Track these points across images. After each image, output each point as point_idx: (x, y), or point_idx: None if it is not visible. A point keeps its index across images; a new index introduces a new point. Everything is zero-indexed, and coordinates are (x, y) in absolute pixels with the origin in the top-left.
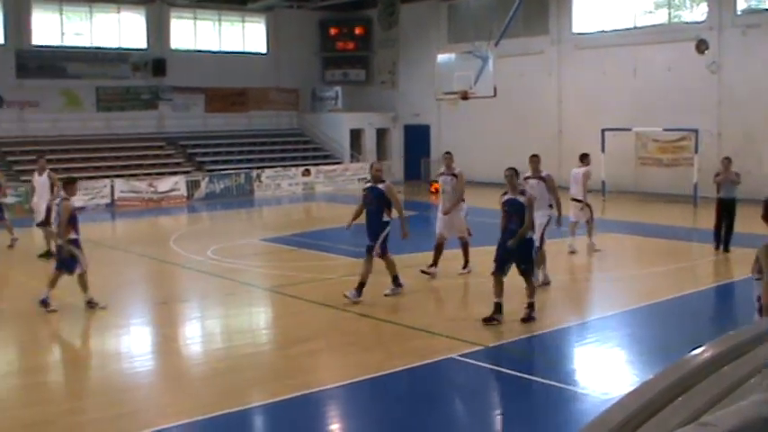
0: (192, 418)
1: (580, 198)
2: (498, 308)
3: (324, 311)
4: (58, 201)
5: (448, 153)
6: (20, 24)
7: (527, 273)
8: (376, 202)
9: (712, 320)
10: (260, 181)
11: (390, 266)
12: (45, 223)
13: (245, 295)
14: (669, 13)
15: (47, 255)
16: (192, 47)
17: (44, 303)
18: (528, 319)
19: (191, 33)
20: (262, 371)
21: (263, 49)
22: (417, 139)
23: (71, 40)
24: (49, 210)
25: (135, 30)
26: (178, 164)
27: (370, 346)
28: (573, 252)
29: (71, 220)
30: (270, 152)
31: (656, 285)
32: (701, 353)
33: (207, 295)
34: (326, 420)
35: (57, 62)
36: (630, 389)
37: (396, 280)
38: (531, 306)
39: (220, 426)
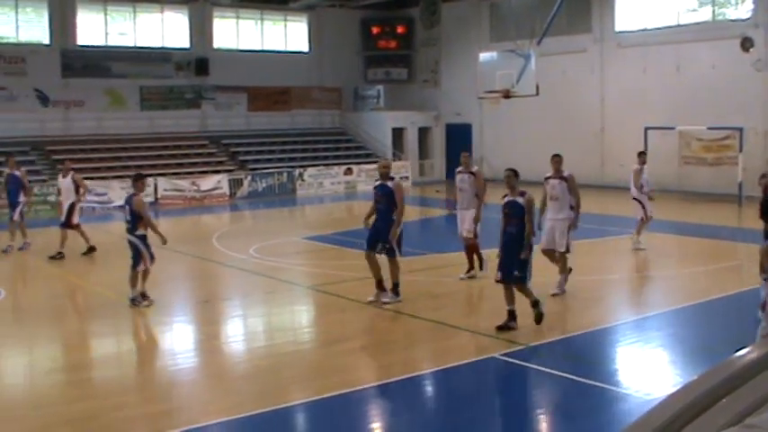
0: (234, 415)
1: (635, 196)
2: (512, 315)
3: (365, 310)
4: (127, 198)
5: (466, 152)
6: (65, 25)
7: (521, 280)
8: (385, 200)
9: (758, 322)
10: (302, 179)
11: (376, 269)
12: (66, 224)
13: (286, 294)
14: (713, 11)
15: (88, 252)
16: (234, 46)
17: (134, 301)
18: (539, 320)
19: (233, 33)
20: (303, 369)
21: (306, 48)
22: (459, 137)
23: (115, 40)
24: (71, 210)
25: (178, 29)
26: (221, 162)
27: (411, 344)
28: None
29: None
30: (312, 151)
31: (699, 285)
32: (747, 354)
33: (249, 293)
34: (368, 419)
35: (101, 62)
36: (674, 389)
37: (380, 284)
38: (535, 305)
39: (262, 424)
